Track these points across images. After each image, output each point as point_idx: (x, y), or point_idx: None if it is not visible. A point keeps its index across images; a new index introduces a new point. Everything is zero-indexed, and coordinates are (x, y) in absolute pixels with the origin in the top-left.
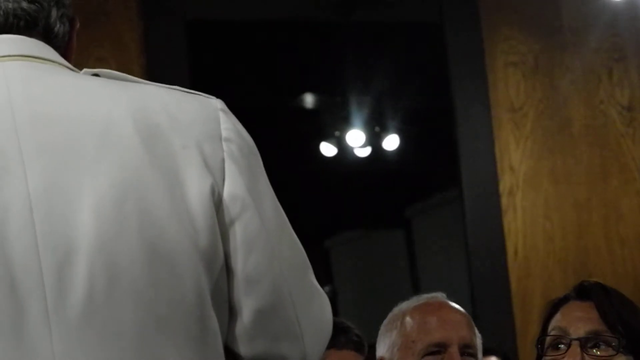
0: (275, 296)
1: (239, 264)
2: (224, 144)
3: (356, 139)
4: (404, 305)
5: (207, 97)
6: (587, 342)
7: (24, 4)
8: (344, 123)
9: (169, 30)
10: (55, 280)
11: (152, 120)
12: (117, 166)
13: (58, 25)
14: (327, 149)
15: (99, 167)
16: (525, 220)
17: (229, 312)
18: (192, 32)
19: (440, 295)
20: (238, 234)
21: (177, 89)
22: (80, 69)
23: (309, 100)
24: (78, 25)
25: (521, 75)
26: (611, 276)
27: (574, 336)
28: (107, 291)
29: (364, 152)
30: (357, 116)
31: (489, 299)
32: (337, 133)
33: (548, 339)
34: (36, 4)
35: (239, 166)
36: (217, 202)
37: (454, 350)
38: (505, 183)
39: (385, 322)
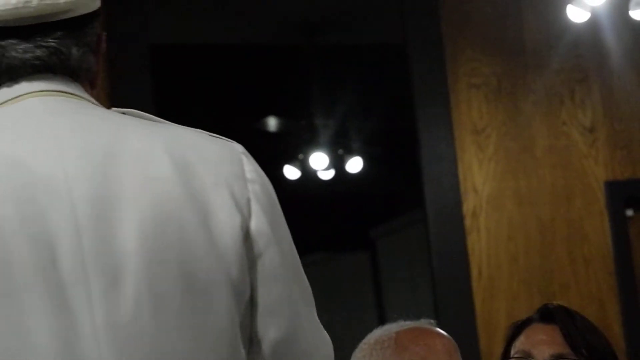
0: (294, 328)
1: (263, 296)
2: (248, 184)
3: (319, 162)
4: (391, 328)
5: (229, 141)
6: None
7: (38, 52)
8: (308, 146)
9: (132, 54)
10: (103, 300)
11: (186, 158)
12: (157, 199)
13: (81, 62)
14: (291, 172)
15: (142, 198)
16: (489, 241)
17: (249, 342)
18: (156, 56)
19: (427, 322)
20: (262, 268)
21: (202, 132)
22: None
23: (272, 123)
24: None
25: (484, 97)
26: (575, 296)
27: (538, 359)
28: (152, 313)
29: (327, 174)
30: (321, 139)
31: (454, 320)
32: (300, 156)
33: None
34: (51, 48)
35: (262, 205)
36: (245, 237)
37: None
38: (469, 204)
39: (372, 341)
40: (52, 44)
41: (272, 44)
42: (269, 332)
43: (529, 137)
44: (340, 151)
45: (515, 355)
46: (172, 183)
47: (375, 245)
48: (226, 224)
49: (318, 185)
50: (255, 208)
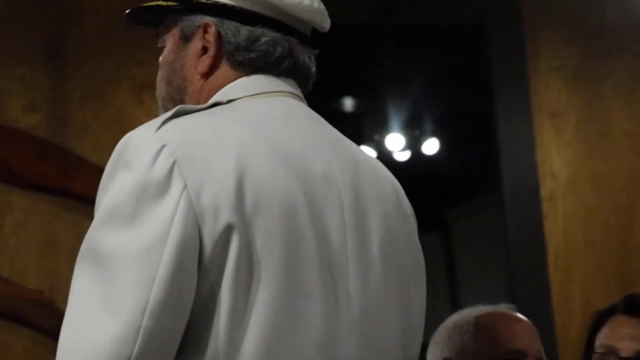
0: None
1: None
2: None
3: (396, 143)
4: (471, 312)
5: None
6: None
7: (306, 59)
8: (384, 127)
9: None
10: (357, 263)
11: (395, 184)
12: (385, 215)
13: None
14: (367, 153)
15: (377, 211)
16: (566, 226)
17: None
18: None
19: (507, 307)
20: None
21: None
22: (125, 69)
23: (348, 103)
24: None
25: (563, 80)
26: None
27: (623, 355)
28: (385, 301)
29: (403, 155)
30: (397, 120)
31: (529, 304)
32: (376, 137)
33: (595, 356)
34: (313, 57)
35: None
36: None
37: None
38: (546, 188)
39: (450, 325)
40: (312, 53)
41: (348, 24)
42: None
43: (607, 121)
44: (417, 132)
45: (599, 351)
46: (392, 204)
47: (449, 228)
48: (418, 246)
49: (394, 166)
50: None
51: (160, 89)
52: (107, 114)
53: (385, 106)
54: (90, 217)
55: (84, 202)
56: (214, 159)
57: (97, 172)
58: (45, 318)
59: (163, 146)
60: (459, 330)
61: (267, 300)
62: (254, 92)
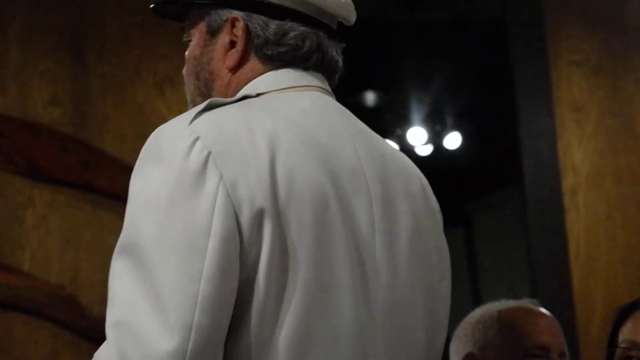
0: None
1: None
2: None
3: (417, 137)
4: (494, 307)
5: None
6: None
7: (334, 54)
8: (405, 121)
9: None
10: (385, 257)
11: (422, 180)
12: (412, 211)
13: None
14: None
15: (405, 206)
16: (588, 220)
17: None
18: None
19: (530, 302)
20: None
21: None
22: (147, 63)
23: (370, 97)
24: None
25: (584, 74)
26: None
27: None
28: (411, 284)
29: (425, 150)
30: (419, 114)
31: (551, 298)
32: (398, 131)
33: (618, 351)
34: (339, 51)
35: None
36: None
37: (555, 356)
38: (567, 182)
39: (473, 320)
40: (339, 47)
41: (371, 18)
42: None
43: (629, 115)
44: (438, 127)
45: (622, 345)
46: (420, 200)
47: (471, 222)
48: (444, 242)
49: (415, 160)
50: None
51: (189, 83)
52: (128, 108)
53: (407, 100)
54: (111, 211)
55: (105, 196)
56: (248, 151)
57: (119, 166)
58: (66, 312)
59: (197, 138)
60: (482, 326)
61: (299, 293)
62: (284, 86)
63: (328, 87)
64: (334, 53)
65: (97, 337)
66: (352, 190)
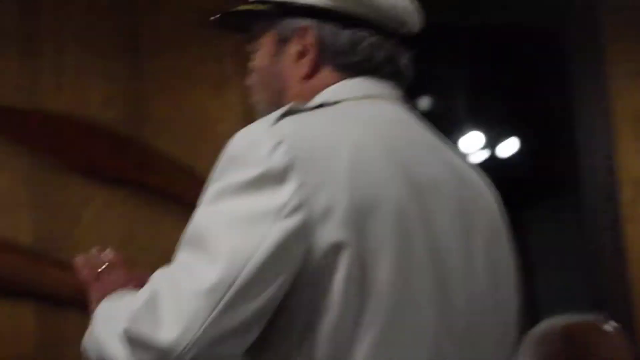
0: None
1: None
2: None
3: (472, 143)
4: (559, 322)
5: None
6: None
7: (404, 61)
8: (461, 127)
9: None
10: (464, 272)
11: (497, 198)
12: (489, 227)
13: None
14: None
15: (482, 220)
16: None
17: None
18: None
19: (597, 317)
20: None
21: None
22: (204, 64)
23: (425, 103)
24: None
25: None
26: None
27: None
28: (489, 291)
29: (480, 156)
30: (474, 120)
31: (610, 310)
32: (453, 137)
33: None
34: (408, 61)
35: None
36: None
37: None
38: (626, 193)
39: (537, 334)
40: (410, 54)
41: (427, 22)
42: None
43: None
44: (494, 133)
45: None
46: (494, 214)
47: (525, 230)
48: (513, 255)
49: None
50: None
51: (258, 93)
52: (185, 108)
53: (462, 106)
54: (168, 212)
55: (162, 196)
56: (330, 159)
57: (175, 167)
58: None
59: (280, 141)
60: (547, 341)
61: (378, 305)
62: (359, 95)
63: (401, 97)
64: (405, 61)
65: None
66: (432, 202)
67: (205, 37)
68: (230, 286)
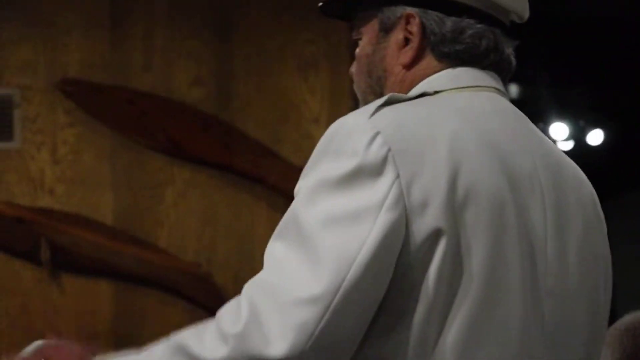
0: None
1: None
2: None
3: (559, 132)
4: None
5: None
6: None
7: (509, 52)
8: (548, 115)
9: None
10: (556, 265)
11: (593, 194)
12: (583, 223)
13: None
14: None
15: (577, 217)
16: None
17: None
18: None
19: None
20: None
21: None
22: (292, 47)
23: (513, 91)
24: None
25: None
26: None
27: None
28: (578, 289)
29: (566, 145)
30: (562, 109)
31: None
32: (540, 125)
33: None
34: (512, 51)
35: None
36: None
37: None
38: None
39: (622, 327)
40: (513, 45)
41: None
42: None
43: None
44: (582, 123)
45: None
46: (590, 208)
47: (612, 219)
48: (609, 250)
49: None
50: None
51: (359, 81)
52: (271, 90)
53: (551, 95)
54: (251, 193)
55: (244, 177)
56: (427, 151)
57: (260, 148)
58: (201, 291)
59: (377, 133)
60: (631, 334)
61: (470, 295)
62: (462, 85)
63: (503, 88)
64: (509, 52)
65: None
66: (528, 196)
67: (294, 20)
68: (336, 291)
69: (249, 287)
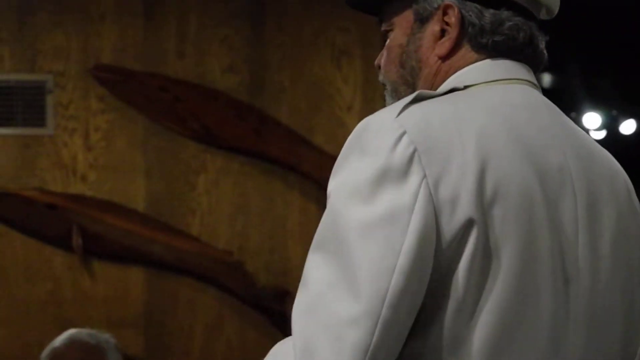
0: None
1: None
2: None
3: (592, 121)
4: None
5: None
6: None
7: (542, 46)
8: (581, 104)
9: None
10: (588, 260)
11: (628, 183)
12: (617, 213)
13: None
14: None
15: (610, 207)
16: None
17: None
18: None
19: None
20: None
21: None
22: (325, 35)
23: (546, 79)
24: None
25: None
26: None
27: None
28: (611, 294)
29: (599, 135)
30: (595, 98)
31: None
32: (573, 114)
33: None
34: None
35: None
36: None
37: None
38: None
39: None
40: (545, 39)
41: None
42: None
43: None
44: (614, 112)
45: None
46: (624, 201)
47: None
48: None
49: None
50: None
51: (389, 72)
52: (304, 78)
53: (584, 84)
54: (283, 181)
55: (277, 165)
56: (454, 148)
57: (292, 137)
58: (232, 279)
59: (404, 132)
60: None
61: (499, 293)
62: (494, 78)
63: (536, 81)
64: (543, 46)
65: (262, 305)
66: (558, 190)
67: (328, 8)
68: (382, 303)
69: (296, 316)
